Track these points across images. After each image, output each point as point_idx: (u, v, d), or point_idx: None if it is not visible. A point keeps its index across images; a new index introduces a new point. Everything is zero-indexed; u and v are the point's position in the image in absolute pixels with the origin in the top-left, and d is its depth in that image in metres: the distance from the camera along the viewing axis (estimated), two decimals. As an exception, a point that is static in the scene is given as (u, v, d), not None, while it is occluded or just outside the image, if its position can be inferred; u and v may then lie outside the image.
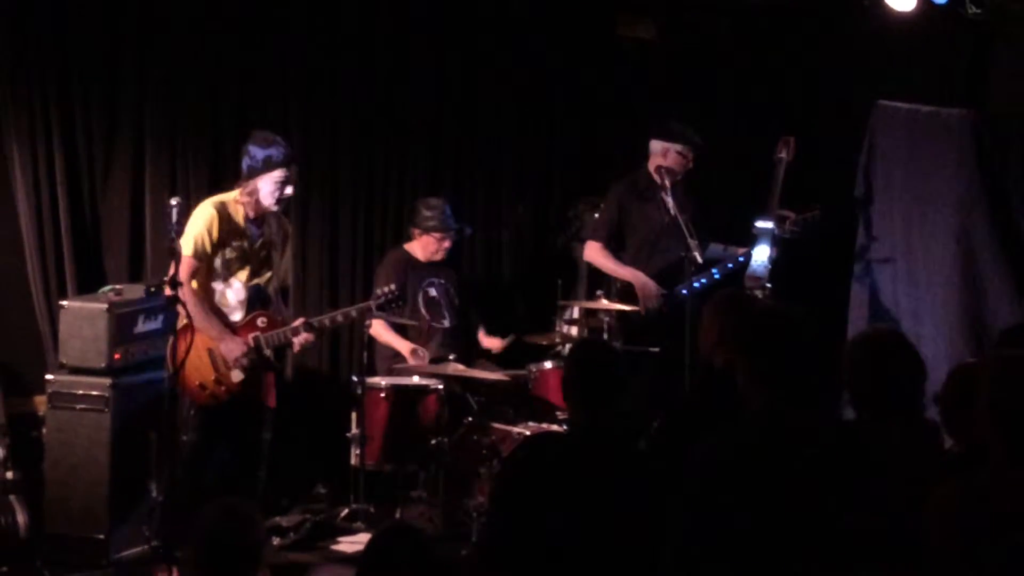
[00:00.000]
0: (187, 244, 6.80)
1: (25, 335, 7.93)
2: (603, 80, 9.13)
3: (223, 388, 6.95)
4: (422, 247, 8.39)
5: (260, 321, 6.99)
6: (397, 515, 7.76)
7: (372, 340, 8.15)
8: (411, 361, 8.04)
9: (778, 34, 9.00)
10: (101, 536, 7.05)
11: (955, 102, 8.49)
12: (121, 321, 7.21)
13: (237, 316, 6.98)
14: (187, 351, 6.63)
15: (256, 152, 6.90)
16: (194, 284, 6.88)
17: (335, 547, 7.54)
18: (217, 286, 6.99)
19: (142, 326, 7.35)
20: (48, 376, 7.25)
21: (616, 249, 8.07)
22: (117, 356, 7.18)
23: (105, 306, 7.18)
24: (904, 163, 8.52)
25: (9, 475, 6.84)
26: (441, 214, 8.31)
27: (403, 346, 8.15)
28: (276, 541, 7.35)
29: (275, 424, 7.39)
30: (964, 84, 8.63)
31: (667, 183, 7.86)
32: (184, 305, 6.50)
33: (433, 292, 8.41)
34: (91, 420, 7.10)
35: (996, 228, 8.32)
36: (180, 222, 6.49)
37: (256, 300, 7.06)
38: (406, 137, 8.99)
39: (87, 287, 7.86)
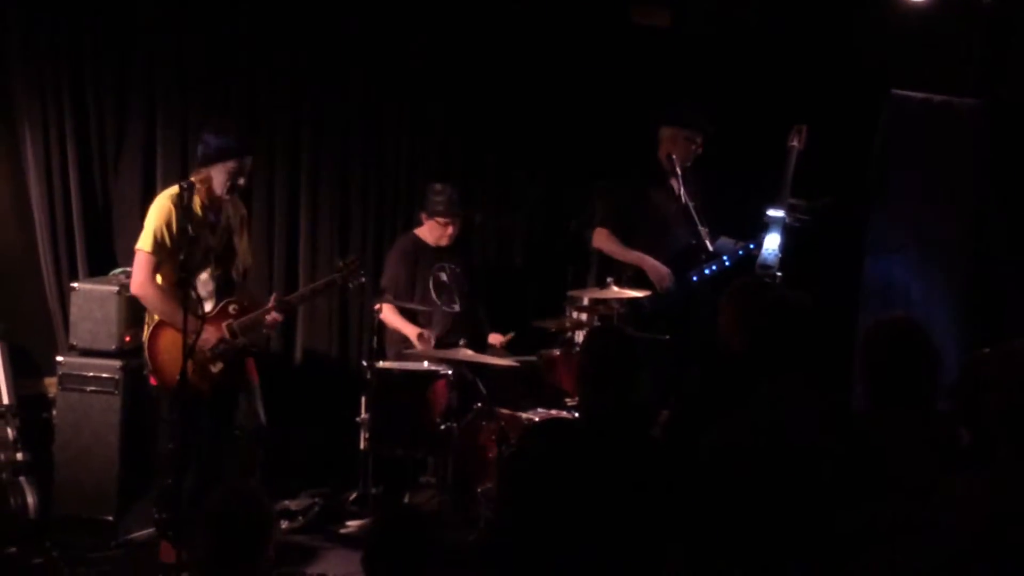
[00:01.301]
0: (146, 240, 6.69)
1: (36, 317, 7.96)
2: (617, 67, 9.11)
3: (205, 381, 6.83)
4: (429, 231, 8.39)
5: (231, 308, 6.90)
6: (405, 500, 7.78)
7: (382, 325, 8.15)
8: (418, 346, 8.04)
9: (791, 22, 8.97)
10: (110, 517, 7.09)
11: (969, 91, 8.46)
12: (131, 303, 7.22)
13: (207, 307, 6.83)
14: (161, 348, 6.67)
15: (210, 140, 6.77)
16: (158, 279, 6.75)
17: (343, 531, 7.56)
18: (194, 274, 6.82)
19: (152, 309, 7.36)
20: (59, 358, 7.27)
21: (625, 236, 8.05)
22: (127, 338, 7.21)
23: (116, 288, 7.20)
24: (917, 152, 8.49)
25: (19, 456, 6.86)
26: (447, 199, 8.30)
27: (410, 330, 8.15)
28: (285, 524, 7.37)
29: (265, 399, 7.32)
30: (978, 73, 8.59)
31: (677, 169, 7.85)
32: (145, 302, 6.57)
33: (443, 277, 8.40)
34: (101, 402, 7.13)
35: (1009, 218, 8.30)
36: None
37: (224, 288, 7.00)
38: (417, 122, 8.98)
39: (98, 269, 7.89)
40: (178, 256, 6.68)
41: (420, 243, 8.40)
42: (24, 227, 8.01)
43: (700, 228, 7.64)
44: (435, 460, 7.90)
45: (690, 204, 7.72)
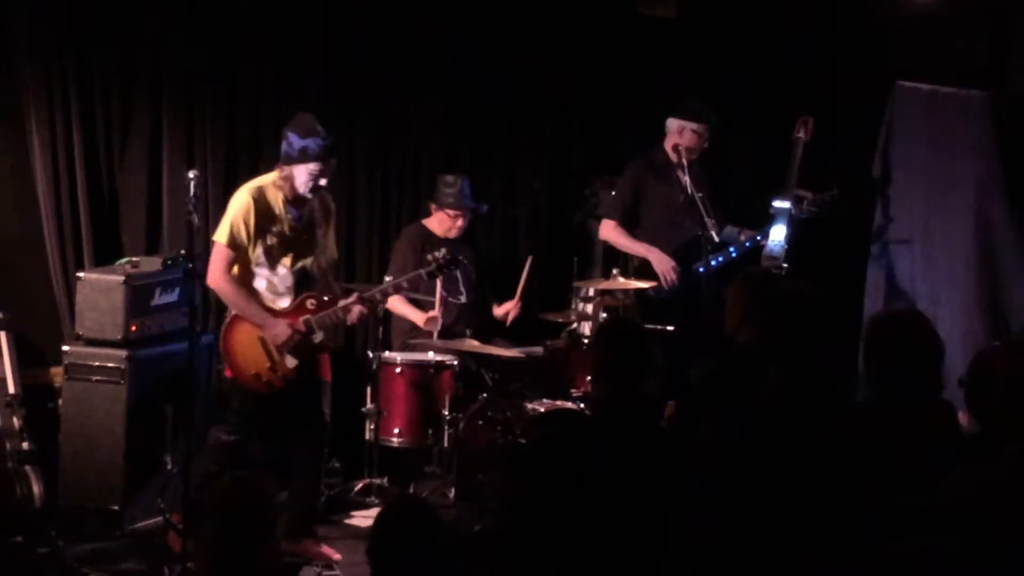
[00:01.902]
0: (223, 233, 6.70)
1: (42, 306, 7.96)
2: (622, 58, 9.11)
3: (279, 375, 6.82)
4: (438, 223, 8.38)
5: (309, 303, 6.88)
6: (411, 490, 7.79)
7: (388, 315, 8.15)
8: (423, 326, 8.01)
9: (797, 13, 8.96)
10: (116, 507, 7.09)
11: (975, 83, 8.45)
12: (138, 293, 7.23)
13: (286, 302, 6.84)
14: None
15: (294, 140, 6.76)
16: (234, 271, 6.76)
17: (349, 521, 7.57)
18: (262, 272, 6.83)
19: (159, 298, 7.38)
20: (65, 347, 7.27)
21: (632, 227, 8.05)
22: (134, 328, 7.20)
23: (122, 278, 7.20)
24: (923, 144, 8.49)
25: (25, 446, 6.85)
26: (458, 191, 8.29)
27: (417, 316, 8.13)
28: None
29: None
30: (984, 65, 8.59)
31: (683, 161, 7.85)
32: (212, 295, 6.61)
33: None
34: (107, 392, 7.13)
35: (1014, 210, 8.29)
36: (197, 195, 6.46)
37: (303, 283, 6.99)
38: (423, 113, 8.97)
39: (104, 259, 7.88)
40: (254, 250, 6.72)
41: (428, 233, 8.39)
42: (30, 216, 8.01)
43: (707, 219, 7.65)
44: (440, 451, 7.90)
45: (696, 196, 7.72)
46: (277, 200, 6.79)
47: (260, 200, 6.75)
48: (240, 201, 6.75)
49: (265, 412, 6.91)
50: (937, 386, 4.59)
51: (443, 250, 7.38)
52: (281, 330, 6.74)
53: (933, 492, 3.74)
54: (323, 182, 6.84)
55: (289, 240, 6.86)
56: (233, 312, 6.79)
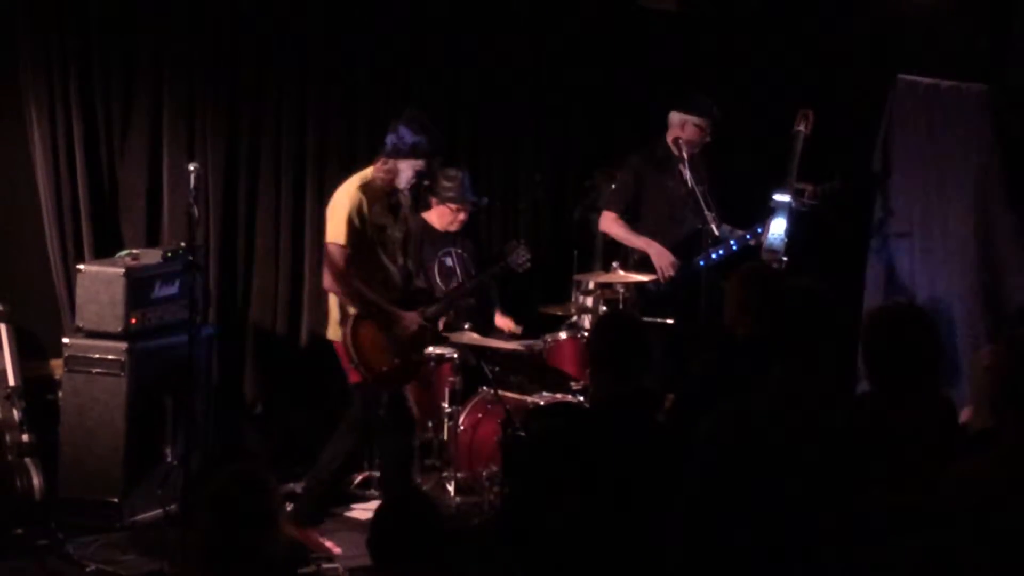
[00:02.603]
0: (337, 231, 6.67)
1: (42, 299, 7.96)
2: (624, 50, 9.10)
3: (407, 368, 6.91)
4: (438, 216, 8.39)
5: (422, 296, 7.00)
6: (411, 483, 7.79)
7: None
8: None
9: (798, 6, 8.96)
10: (115, 499, 7.10)
11: (975, 77, 8.45)
12: (138, 286, 7.23)
13: (396, 296, 6.89)
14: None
15: (406, 135, 6.75)
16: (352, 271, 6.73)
17: (348, 513, 7.57)
18: (376, 267, 6.83)
19: (159, 291, 7.38)
20: (65, 340, 7.27)
21: (632, 221, 8.05)
22: (134, 320, 7.20)
23: (122, 270, 7.20)
24: (923, 137, 8.49)
25: (25, 438, 6.86)
26: (459, 186, 8.29)
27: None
28: (289, 507, 7.37)
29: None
30: (984, 58, 8.58)
31: (685, 155, 7.84)
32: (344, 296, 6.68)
33: (449, 261, 8.41)
34: (107, 384, 7.13)
35: (1014, 203, 8.29)
36: (198, 187, 6.46)
37: (408, 277, 7.02)
38: (424, 105, 8.95)
39: (104, 251, 7.88)
40: (370, 245, 6.71)
41: (427, 226, 8.40)
42: (30, 209, 8.01)
43: (707, 213, 7.65)
44: (440, 443, 7.90)
45: (697, 189, 7.72)
46: (380, 194, 6.78)
47: (368, 195, 6.73)
48: (351, 195, 6.72)
49: (386, 407, 6.94)
50: (936, 380, 4.59)
51: (515, 241, 7.51)
52: (412, 320, 6.79)
53: (933, 485, 3.75)
54: (426, 181, 6.94)
55: (392, 235, 6.88)
56: (353, 313, 6.74)
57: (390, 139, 6.81)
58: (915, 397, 4.46)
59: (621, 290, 7.83)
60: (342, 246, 6.65)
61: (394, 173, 6.78)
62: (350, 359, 6.77)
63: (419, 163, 6.78)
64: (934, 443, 4.32)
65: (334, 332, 6.87)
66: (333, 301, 6.87)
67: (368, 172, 6.84)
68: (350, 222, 6.66)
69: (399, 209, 6.93)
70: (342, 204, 6.72)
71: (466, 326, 7.88)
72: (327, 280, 6.77)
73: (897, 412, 4.33)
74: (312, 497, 6.99)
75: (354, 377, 6.86)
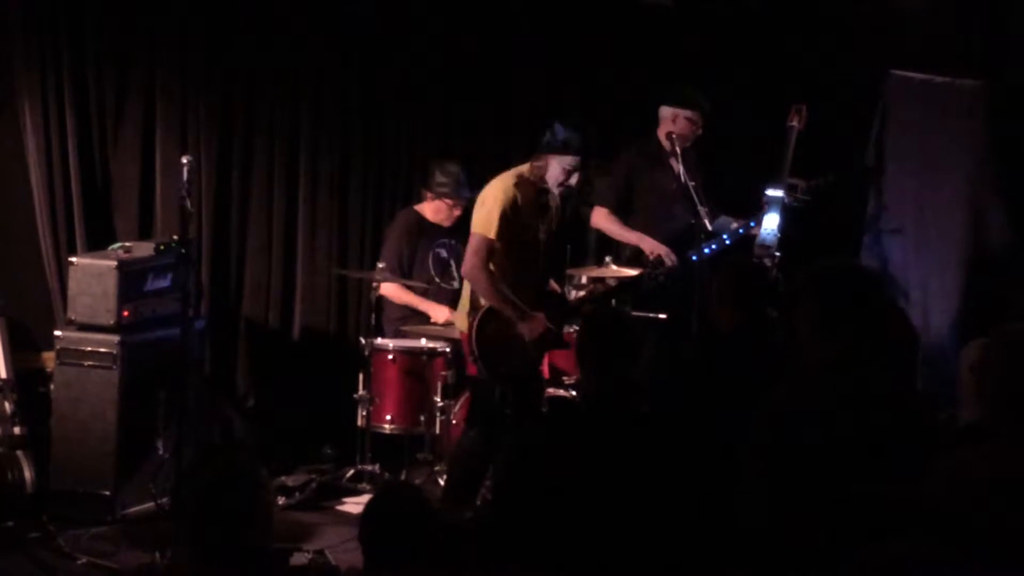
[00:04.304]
0: (488, 224, 6.61)
1: (34, 291, 7.95)
2: (619, 45, 9.09)
3: (529, 369, 6.84)
4: (433, 210, 8.38)
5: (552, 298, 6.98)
6: (403, 477, 7.79)
7: (380, 301, 8.13)
8: (443, 322, 8.02)
9: (792, 1, 8.96)
10: (107, 493, 7.09)
11: (969, 73, 8.45)
12: (130, 278, 7.22)
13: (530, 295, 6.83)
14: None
15: (559, 130, 6.72)
16: (491, 265, 6.69)
17: (340, 508, 7.57)
18: (517, 263, 6.77)
19: (151, 284, 7.37)
20: (57, 332, 7.26)
21: (624, 215, 8.04)
22: (126, 313, 7.19)
23: (114, 263, 7.18)
24: (917, 133, 8.50)
25: (16, 430, 6.85)
26: (455, 181, 8.29)
27: (436, 311, 8.15)
28: (281, 501, 7.38)
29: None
30: (977, 54, 8.59)
31: (677, 149, 7.83)
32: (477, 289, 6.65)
33: (443, 253, 8.40)
34: (99, 377, 7.12)
35: (1007, 200, 8.30)
36: (191, 180, 6.44)
37: (543, 279, 6.99)
38: (417, 99, 8.96)
39: (97, 244, 7.87)
40: (514, 241, 6.66)
41: (421, 219, 8.39)
42: (22, 201, 8.00)
43: (700, 207, 7.64)
44: (432, 437, 7.90)
45: (690, 183, 7.71)
46: (532, 193, 6.75)
47: (522, 191, 6.70)
48: (506, 189, 6.68)
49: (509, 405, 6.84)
50: (912, 375, 4.61)
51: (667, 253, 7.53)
52: (537, 324, 6.72)
53: (914, 483, 3.76)
54: (573, 180, 6.83)
55: (537, 236, 6.84)
56: (484, 305, 6.69)
57: (546, 136, 6.78)
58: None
59: (613, 284, 7.83)
60: (490, 239, 6.62)
61: (544, 169, 6.75)
62: (470, 351, 6.75)
63: (568, 160, 6.74)
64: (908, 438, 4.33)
65: (461, 322, 6.84)
66: (466, 291, 6.85)
67: (524, 168, 6.80)
68: (503, 215, 6.62)
69: (547, 211, 6.89)
70: (496, 197, 6.68)
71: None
72: (464, 267, 6.77)
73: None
74: (451, 489, 6.93)
75: (471, 370, 6.87)
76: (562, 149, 6.73)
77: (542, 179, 6.76)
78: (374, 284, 7.97)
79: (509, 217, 6.63)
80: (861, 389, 3.92)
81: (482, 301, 6.71)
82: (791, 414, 3.92)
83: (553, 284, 7.16)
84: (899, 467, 3.85)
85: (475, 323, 6.69)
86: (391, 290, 8.14)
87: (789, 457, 3.85)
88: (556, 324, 6.85)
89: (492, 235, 6.62)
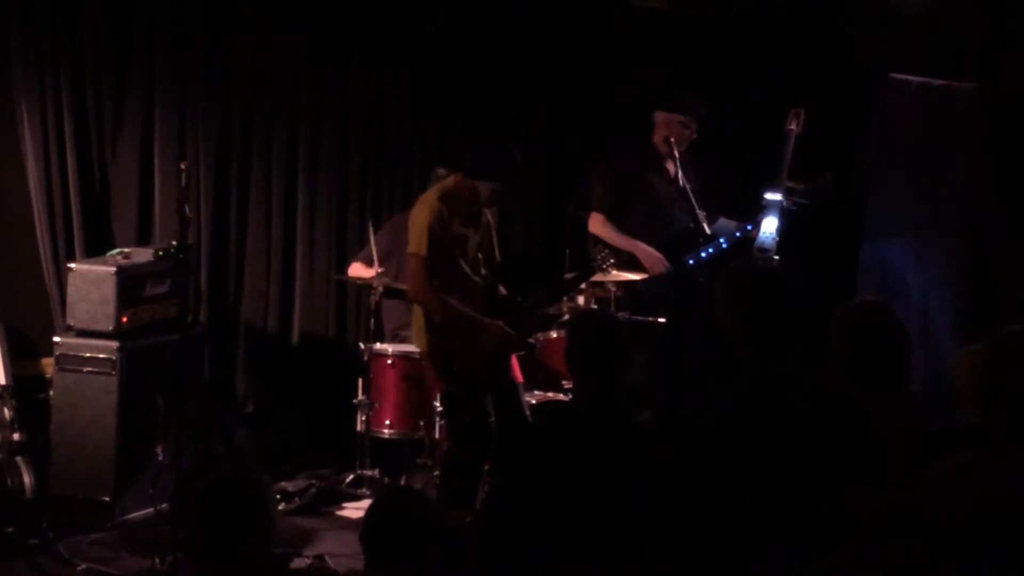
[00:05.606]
0: (420, 243, 6.58)
1: (33, 297, 7.95)
2: (615, 49, 9.10)
3: (505, 374, 6.84)
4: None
5: (505, 304, 6.94)
6: (402, 481, 7.79)
7: (379, 306, 8.13)
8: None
9: (790, 5, 8.96)
10: (107, 498, 7.09)
11: (967, 76, 8.45)
12: (129, 284, 7.22)
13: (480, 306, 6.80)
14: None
15: (483, 157, 6.68)
16: (435, 282, 6.65)
17: (340, 513, 7.57)
18: (462, 277, 6.75)
19: (150, 290, 7.37)
20: (56, 339, 7.26)
21: (622, 220, 8.04)
22: (125, 319, 7.19)
23: (113, 269, 7.18)
24: (914, 137, 8.49)
25: (16, 437, 6.85)
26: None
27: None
28: (281, 506, 7.38)
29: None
30: (975, 58, 8.59)
31: (674, 153, 7.84)
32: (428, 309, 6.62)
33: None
34: (98, 383, 7.12)
35: (1005, 202, 8.30)
36: (189, 186, 6.43)
37: (491, 286, 6.96)
38: (415, 104, 8.97)
39: (95, 250, 7.88)
40: (451, 254, 6.64)
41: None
42: (21, 207, 8.00)
43: (697, 211, 7.64)
44: (431, 442, 7.90)
45: (688, 187, 7.71)
46: (461, 205, 6.72)
47: (449, 205, 6.66)
48: (430, 207, 6.64)
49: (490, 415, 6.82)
50: (904, 375, 4.62)
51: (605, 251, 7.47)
52: (496, 330, 6.67)
53: (908, 483, 3.76)
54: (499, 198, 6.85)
55: (472, 245, 6.81)
56: (438, 322, 6.66)
57: (468, 160, 6.75)
58: (883, 395, 4.48)
59: (612, 289, 7.83)
60: (423, 256, 6.59)
61: (472, 191, 6.73)
62: (436, 368, 6.74)
63: (496, 184, 6.72)
64: (904, 441, 4.34)
65: (419, 341, 6.82)
66: (418, 310, 6.81)
67: (449, 182, 6.78)
68: (431, 232, 6.58)
69: (480, 218, 6.87)
70: (423, 215, 6.65)
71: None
72: (411, 291, 6.76)
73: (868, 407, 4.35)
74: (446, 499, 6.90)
75: (440, 386, 6.86)
76: (486, 176, 6.66)
77: (472, 191, 6.74)
78: (375, 287, 7.96)
79: (438, 233, 6.59)
80: (782, 393, 3.95)
81: (436, 318, 6.70)
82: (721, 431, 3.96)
83: (503, 289, 7.13)
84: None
85: (433, 341, 6.68)
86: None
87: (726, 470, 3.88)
88: (516, 328, 6.80)
89: (424, 252, 6.58)
